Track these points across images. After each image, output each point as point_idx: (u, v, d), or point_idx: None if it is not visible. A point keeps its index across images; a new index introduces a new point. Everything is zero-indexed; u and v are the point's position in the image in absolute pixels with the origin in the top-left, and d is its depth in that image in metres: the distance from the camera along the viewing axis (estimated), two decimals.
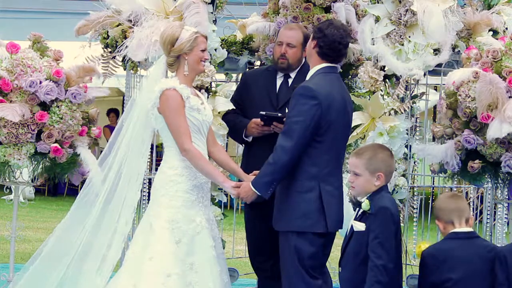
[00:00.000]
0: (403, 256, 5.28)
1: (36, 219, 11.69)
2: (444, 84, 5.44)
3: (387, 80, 5.66)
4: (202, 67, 5.02)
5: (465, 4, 6.28)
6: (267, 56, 6.22)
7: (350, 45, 5.46)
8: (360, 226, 4.52)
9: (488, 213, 6.21)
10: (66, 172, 5.55)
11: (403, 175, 5.65)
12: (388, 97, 5.58)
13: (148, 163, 5.82)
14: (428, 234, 7.11)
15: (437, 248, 4.65)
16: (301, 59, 5.57)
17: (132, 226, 5.31)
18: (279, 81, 5.68)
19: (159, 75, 5.04)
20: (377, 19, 5.71)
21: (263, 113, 5.41)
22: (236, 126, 5.70)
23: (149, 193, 5.94)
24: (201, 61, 4.97)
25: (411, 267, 6.34)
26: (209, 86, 5.78)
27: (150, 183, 6.00)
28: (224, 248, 5.32)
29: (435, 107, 11.18)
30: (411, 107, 5.74)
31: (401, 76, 5.65)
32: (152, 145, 5.29)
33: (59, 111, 5.30)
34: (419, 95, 5.96)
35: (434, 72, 6.11)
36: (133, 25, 5.84)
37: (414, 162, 6.64)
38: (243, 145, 5.81)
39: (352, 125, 5.29)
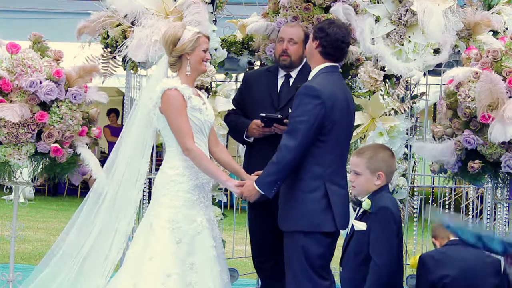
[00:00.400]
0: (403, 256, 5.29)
1: (36, 219, 11.68)
2: (444, 84, 5.44)
3: (387, 80, 5.67)
4: (204, 67, 5.02)
5: (465, 4, 6.28)
6: (267, 56, 6.22)
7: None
8: (361, 226, 4.52)
9: (488, 213, 6.21)
10: (66, 172, 5.55)
11: (403, 175, 5.65)
12: (388, 97, 5.59)
13: (148, 163, 5.82)
14: (428, 234, 7.11)
15: (435, 251, 4.72)
16: (302, 56, 5.57)
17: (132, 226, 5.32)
18: (280, 81, 5.68)
19: (160, 75, 5.04)
20: (377, 19, 5.71)
21: (263, 114, 5.41)
22: (237, 127, 5.70)
23: (149, 193, 5.95)
24: (203, 61, 4.97)
25: (411, 267, 6.34)
26: (209, 86, 5.78)
27: (150, 182, 6.00)
28: (224, 248, 5.32)
29: (435, 106, 11.18)
30: (411, 107, 5.75)
31: (401, 76, 5.66)
32: (152, 145, 5.29)
33: (59, 111, 5.30)
34: (419, 95, 5.96)
35: (434, 72, 6.11)
36: (133, 24, 5.84)
37: (414, 162, 6.64)
38: (245, 145, 5.82)
39: None
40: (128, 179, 5.12)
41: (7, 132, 5.21)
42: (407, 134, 5.71)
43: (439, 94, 6.34)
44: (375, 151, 4.64)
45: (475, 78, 4.95)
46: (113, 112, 15.22)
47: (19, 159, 5.27)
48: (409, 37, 5.63)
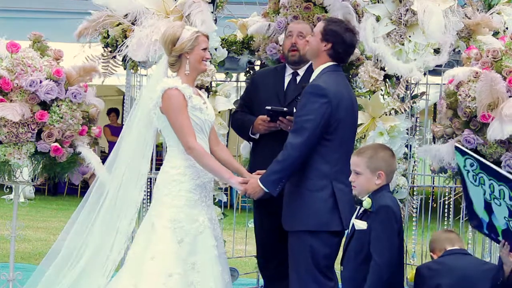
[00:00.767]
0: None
1: (36, 218, 11.68)
2: (444, 84, 5.44)
3: (387, 79, 5.67)
4: (203, 66, 5.02)
5: (465, 4, 6.28)
6: (267, 56, 6.22)
7: None
8: (361, 225, 4.52)
9: None
10: (66, 172, 5.55)
11: (404, 175, 5.65)
12: (388, 96, 5.59)
13: (149, 163, 5.82)
14: (428, 234, 7.11)
15: (431, 262, 4.83)
16: None
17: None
18: (287, 79, 5.70)
19: (160, 74, 5.04)
20: (377, 19, 5.71)
21: (269, 107, 5.41)
22: (243, 124, 5.71)
23: (149, 192, 5.95)
24: (202, 60, 4.97)
25: (411, 267, 6.34)
26: (209, 86, 5.78)
27: (150, 182, 6.00)
28: (224, 248, 5.32)
29: (435, 106, 11.17)
30: (411, 106, 5.75)
31: (401, 75, 5.65)
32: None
33: (59, 110, 5.30)
34: (419, 94, 5.96)
35: (434, 72, 6.11)
36: (133, 23, 5.84)
37: (414, 162, 6.63)
38: (250, 142, 5.82)
39: None
40: (129, 179, 5.12)
41: (7, 132, 5.21)
42: (407, 134, 5.71)
43: (439, 94, 6.34)
44: (375, 150, 4.64)
45: (475, 77, 4.95)
46: (113, 112, 15.22)
47: (19, 159, 5.27)
48: (410, 37, 5.63)
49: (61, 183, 13.40)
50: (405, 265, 5.33)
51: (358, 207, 4.63)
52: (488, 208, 4.17)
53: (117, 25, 5.92)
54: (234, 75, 6.88)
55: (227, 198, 6.13)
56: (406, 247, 5.89)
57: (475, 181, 4.16)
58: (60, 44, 6.09)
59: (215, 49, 5.88)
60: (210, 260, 4.85)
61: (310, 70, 5.49)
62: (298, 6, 6.06)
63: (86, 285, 5.06)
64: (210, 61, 5.70)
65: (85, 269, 5.10)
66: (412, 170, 6.49)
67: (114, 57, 6.07)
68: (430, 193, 8.32)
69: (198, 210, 4.89)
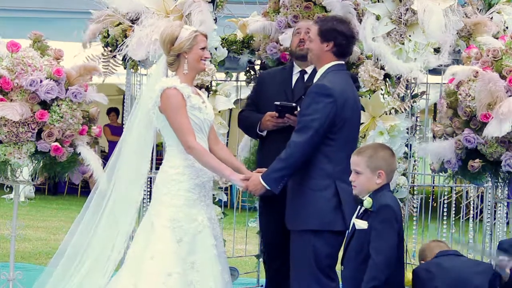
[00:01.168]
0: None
1: (36, 218, 11.68)
2: (444, 83, 5.44)
3: (387, 79, 5.66)
4: (202, 66, 5.02)
5: (465, 3, 6.28)
6: (268, 55, 6.22)
7: None
8: (362, 224, 4.52)
9: (488, 212, 6.21)
10: (66, 171, 5.55)
11: (404, 174, 5.65)
12: (388, 96, 5.58)
13: (149, 163, 5.82)
14: (428, 234, 7.11)
15: (427, 263, 4.83)
16: None
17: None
18: (295, 77, 5.72)
19: (159, 74, 5.04)
20: (377, 18, 5.71)
21: (278, 103, 5.42)
22: (251, 121, 5.72)
23: (150, 192, 5.95)
24: (201, 59, 4.97)
25: (411, 266, 6.34)
26: (209, 85, 5.79)
27: (150, 182, 6.00)
28: (224, 247, 5.32)
29: (435, 105, 11.18)
30: (412, 106, 5.74)
31: (401, 75, 5.65)
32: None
33: (60, 110, 5.30)
34: (419, 94, 5.96)
35: (434, 71, 6.11)
36: (132, 22, 5.84)
37: (415, 161, 6.64)
38: (258, 139, 5.82)
39: None
40: (129, 179, 5.13)
41: (8, 131, 5.21)
42: (408, 133, 5.71)
43: (439, 94, 6.34)
44: (375, 150, 4.64)
45: (475, 77, 4.95)
46: (113, 111, 15.21)
47: (19, 158, 5.27)
48: (410, 36, 5.62)
49: (61, 182, 13.40)
50: (405, 264, 5.34)
51: (359, 206, 4.64)
52: None
53: (117, 24, 5.92)
54: (234, 74, 6.88)
55: (227, 198, 6.11)
56: (406, 246, 5.90)
57: None
58: (60, 44, 6.10)
59: (215, 48, 5.88)
60: (210, 260, 4.85)
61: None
62: (298, 5, 6.06)
63: (88, 285, 5.06)
64: (210, 61, 5.70)
65: (86, 270, 5.10)
66: (413, 170, 6.49)
67: (114, 56, 6.07)
68: (430, 192, 8.33)
69: (197, 209, 4.89)
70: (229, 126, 6.32)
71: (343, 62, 4.98)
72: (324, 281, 4.75)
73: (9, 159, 5.27)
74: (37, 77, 5.24)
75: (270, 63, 6.29)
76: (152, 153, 5.35)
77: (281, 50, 6.19)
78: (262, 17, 6.39)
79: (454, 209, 6.54)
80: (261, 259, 6.90)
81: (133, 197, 5.10)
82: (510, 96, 4.87)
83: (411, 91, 5.81)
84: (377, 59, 5.60)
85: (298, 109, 5.21)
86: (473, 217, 6.99)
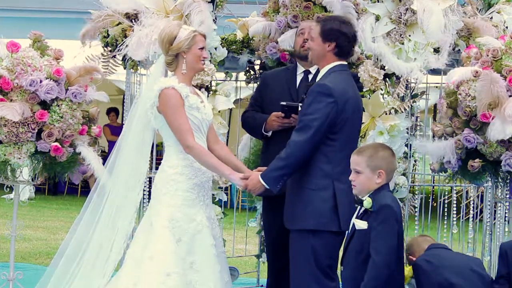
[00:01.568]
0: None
1: (36, 218, 11.68)
2: (444, 83, 5.44)
3: (387, 79, 5.66)
4: (201, 65, 5.02)
5: (465, 3, 6.27)
6: (267, 55, 6.22)
7: None
8: (362, 225, 4.52)
9: (488, 212, 6.21)
10: (66, 171, 5.55)
11: (404, 174, 5.65)
12: (388, 96, 5.58)
13: (148, 162, 5.82)
14: (428, 233, 7.11)
15: (424, 255, 4.85)
16: None
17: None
18: (299, 77, 5.73)
19: (158, 74, 5.04)
20: (377, 18, 5.71)
21: (284, 103, 5.43)
22: (255, 121, 5.73)
23: (149, 192, 5.95)
24: (199, 59, 4.97)
25: (406, 278, 6.34)
26: (209, 85, 5.79)
27: (150, 182, 6.00)
28: (224, 247, 5.32)
29: (435, 105, 11.18)
30: (411, 106, 5.74)
31: (401, 75, 5.65)
32: (152, 144, 5.29)
33: (60, 110, 5.30)
34: (419, 94, 5.96)
35: (434, 71, 6.10)
36: (134, 20, 5.83)
37: (415, 161, 6.64)
38: (263, 139, 5.82)
39: None
40: (129, 178, 5.12)
41: (7, 131, 5.21)
42: (407, 133, 5.71)
43: (439, 94, 6.34)
44: (375, 149, 4.64)
45: (475, 77, 4.95)
46: (113, 111, 15.22)
47: (19, 158, 5.27)
48: (409, 36, 5.62)
49: (61, 182, 13.44)
50: (405, 264, 5.34)
51: (359, 207, 4.63)
52: None
53: (117, 24, 5.92)
54: (234, 74, 6.88)
55: (227, 198, 6.11)
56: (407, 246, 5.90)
57: None
58: (60, 42, 6.10)
59: (215, 48, 5.88)
60: (209, 260, 4.85)
61: None
62: (298, 5, 6.05)
63: (88, 285, 5.06)
64: (210, 61, 5.70)
65: (86, 270, 5.10)
66: (413, 170, 6.49)
67: (114, 56, 6.07)
68: (430, 192, 8.33)
69: (196, 209, 4.89)
70: (229, 126, 6.32)
71: (346, 63, 4.98)
72: (324, 281, 4.74)
73: (9, 159, 5.27)
74: (37, 77, 5.24)
75: (270, 63, 6.29)
76: (152, 152, 5.35)
77: (281, 50, 6.19)
78: (261, 17, 6.39)
79: (454, 209, 6.53)
80: (261, 259, 6.91)
81: (132, 197, 5.09)
82: (510, 96, 4.86)
83: (411, 91, 5.81)
84: (377, 59, 5.60)
85: None
86: (473, 217, 6.99)
